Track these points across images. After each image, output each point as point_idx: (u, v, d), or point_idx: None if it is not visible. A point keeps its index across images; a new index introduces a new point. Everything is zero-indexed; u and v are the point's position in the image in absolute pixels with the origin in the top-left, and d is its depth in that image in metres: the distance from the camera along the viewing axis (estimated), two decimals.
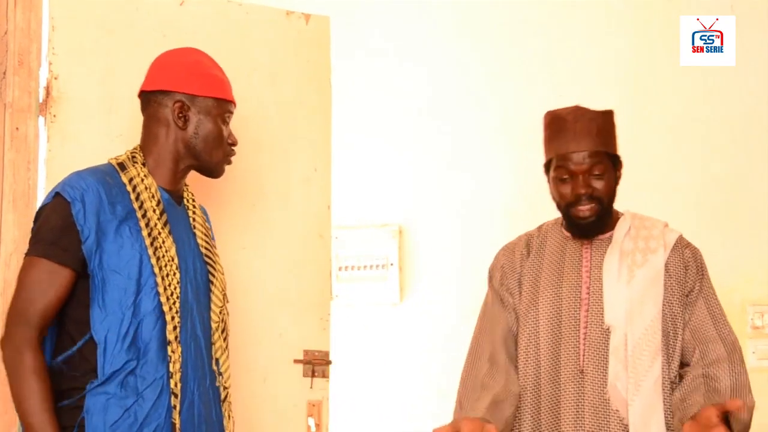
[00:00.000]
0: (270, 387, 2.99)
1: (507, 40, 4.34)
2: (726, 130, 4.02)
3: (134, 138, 2.82)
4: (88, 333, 2.25)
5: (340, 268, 4.37)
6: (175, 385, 2.29)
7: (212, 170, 2.49)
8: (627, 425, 2.42)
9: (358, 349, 4.32)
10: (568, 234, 2.62)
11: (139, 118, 2.84)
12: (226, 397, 2.45)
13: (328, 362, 3.09)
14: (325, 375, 3.07)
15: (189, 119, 2.43)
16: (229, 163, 2.51)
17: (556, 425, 2.47)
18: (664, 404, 2.44)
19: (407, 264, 4.35)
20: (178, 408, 2.28)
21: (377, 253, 4.35)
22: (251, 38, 3.06)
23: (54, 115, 2.75)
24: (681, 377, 2.48)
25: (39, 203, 2.70)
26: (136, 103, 2.84)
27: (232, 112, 2.50)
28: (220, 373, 2.44)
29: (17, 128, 2.73)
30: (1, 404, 2.63)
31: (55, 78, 2.76)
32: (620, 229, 2.59)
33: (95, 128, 2.80)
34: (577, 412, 2.46)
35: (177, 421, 2.28)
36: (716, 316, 2.52)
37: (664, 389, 2.45)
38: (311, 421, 3.00)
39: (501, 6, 4.35)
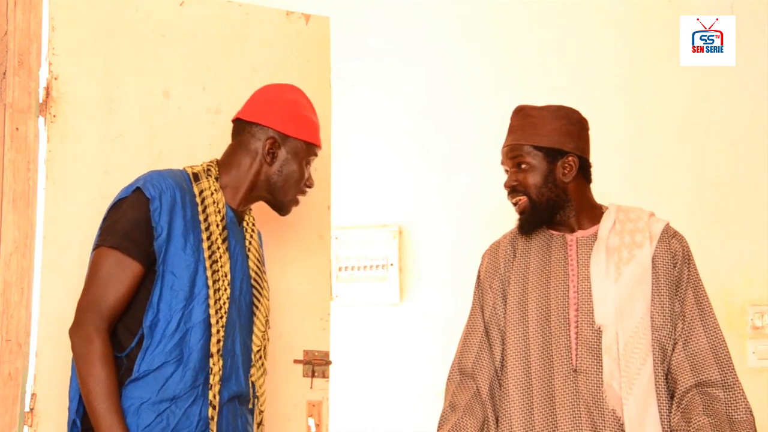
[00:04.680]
0: (270, 387, 2.98)
1: (506, 41, 4.34)
2: (726, 130, 4.02)
3: (134, 138, 2.84)
4: (141, 330, 2.30)
5: (340, 269, 4.37)
6: (214, 396, 2.32)
7: (282, 208, 2.57)
8: (623, 424, 2.42)
9: (358, 349, 4.32)
10: (553, 231, 2.63)
11: (138, 118, 2.86)
12: (261, 421, 2.50)
13: (328, 362, 3.09)
14: (325, 375, 3.07)
15: (277, 156, 2.51)
16: (297, 203, 2.59)
17: (552, 423, 2.47)
18: (658, 400, 2.44)
19: (407, 264, 4.35)
20: (215, 419, 2.33)
21: (377, 253, 4.35)
22: (251, 38, 3.06)
23: (54, 116, 2.75)
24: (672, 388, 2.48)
25: (39, 203, 2.71)
26: (136, 103, 2.86)
27: (317, 155, 2.59)
28: (257, 396, 2.48)
29: (17, 128, 2.73)
30: (1, 404, 2.63)
31: (55, 78, 2.76)
32: (605, 224, 2.58)
33: (95, 128, 2.80)
34: (574, 410, 2.46)
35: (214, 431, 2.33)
36: (704, 310, 2.50)
37: (657, 385, 2.45)
38: (311, 421, 3.00)
39: (500, 7, 4.35)
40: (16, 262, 2.68)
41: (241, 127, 2.54)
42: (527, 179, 2.58)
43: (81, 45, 2.81)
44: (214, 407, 2.33)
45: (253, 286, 2.52)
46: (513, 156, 2.60)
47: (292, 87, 2.62)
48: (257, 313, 2.52)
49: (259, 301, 2.53)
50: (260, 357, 2.52)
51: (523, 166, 2.59)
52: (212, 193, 2.43)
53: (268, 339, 2.57)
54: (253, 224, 2.60)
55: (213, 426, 2.32)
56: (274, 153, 2.50)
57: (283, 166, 2.51)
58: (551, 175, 2.57)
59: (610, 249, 2.53)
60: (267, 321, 2.56)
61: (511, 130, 2.64)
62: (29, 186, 2.73)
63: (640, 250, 2.52)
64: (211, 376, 2.33)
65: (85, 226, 2.64)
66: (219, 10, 3.02)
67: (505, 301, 2.61)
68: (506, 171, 2.65)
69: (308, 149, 2.55)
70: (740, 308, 3.87)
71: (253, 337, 2.51)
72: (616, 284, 2.49)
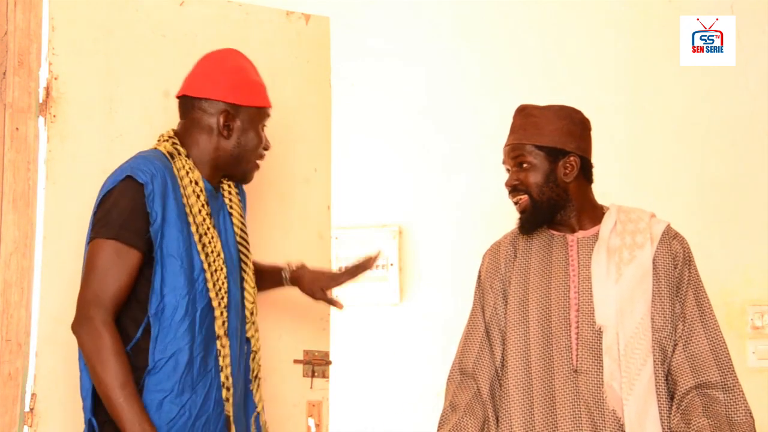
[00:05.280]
0: (270, 387, 2.98)
1: (506, 41, 4.34)
2: (726, 130, 4.02)
3: (134, 138, 2.83)
4: (146, 318, 2.29)
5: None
6: (227, 378, 2.33)
7: (244, 177, 2.54)
8: (623, 424, 2.42)
9: (358, 349, 4.32)
10: (553, 231, 2.63)
11: (138, 118, 2.85)
12: (257, 374, 2.50)
13: (328, 362, 3.09)
14: (325, 375, 3.07)
15: (233, 129, 2.47)
16: (258, 168, 2.55)
17: (552, 424, 2.47)
18: (658, 401, 2.43)
19: (407, 264, 4.35)
20: (231, 401, 2.34)
21: None
22: (251, 38, 3.05)
23: (54, 116, 2.75)
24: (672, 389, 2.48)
25: (39, 203, 2.71)
26: (136, 103, 2.86)
27: (269, 116, 2.55)
28: (253, 351, 2.49)
29: (17, 128, 2.73)
30: (1, 404, 2.64)
31: (55, 78, 2.76)
32: (606, 224, 2.58)
33: (95, 128, 2.80)
34: (574, 411, 2.45)
35: (231, 413, 2.33)
36: (704, 312, 2.50)
37: (657, 386, 2.44)
38: (311, 421, 3.00)
39: (500, 7, 4.35)
40: (16, 262, 2.68)
41: (189, 103, 2.48)
42: (528, 178, 2.58)
43: (81, 45, 2.81)
44: (228, 388, 2.33)
45: (239, 243, 2.51)
46: (515, 155, 2.60)
47: (233, 52, 2.56)
48: (246, 270, 2.51)
49: (246, 257, 2.52)
50: (252, 313, 2.50)
51: (525, 165, 2.59)
52: (188, 172, 2.40)
53: (256, 293, 2.56)
54: (228, 185, 2.56)
55: (229, 407, 2.33)
56: (230, 126, 2.46)
57: (240, 137, 2.47)
58: (552, 174, 2.57)
59: (611, 250, 2.53)
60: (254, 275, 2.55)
61: (513, 129, 2.64)
62: (29, 186, 2.73)
63: (641, 251, 2.52)
64: (221, 358, 2.33)
65: (85, 226, 2.62)
66: (219, 10, 3.02)
67: (506, 302, 2.61)
68: (507, 170, 2.65)
69: (261, 114, 2.51)
70: (740, 308, 3.88)
71: (246, 295, 2.49)
72: (616, 285, 2.49)
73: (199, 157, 2.46)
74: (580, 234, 2.60)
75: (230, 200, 2.53)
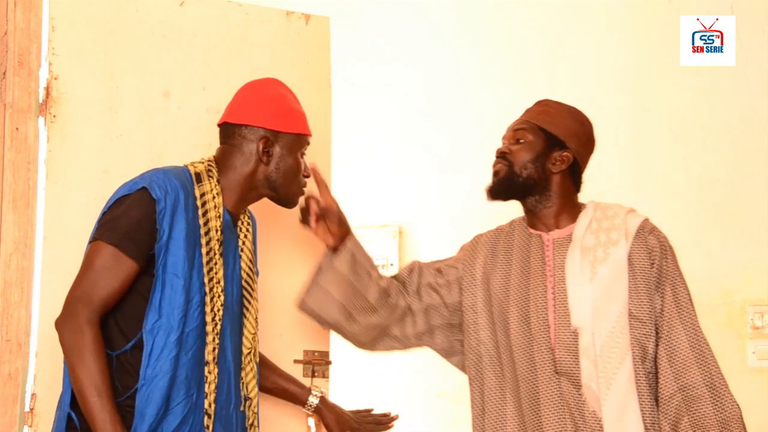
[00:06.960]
0: None
1: (505, 41, 4.34)
2: (726, 130, 4.02)
3: (134, 138, 2.84)
4: (140, 333, 2.28)
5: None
6: (210, 405, 2.32)
7: (288, 202, 2.58)
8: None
9: (358, 349, 4.31)
10: (531, 230, 2.63)
11: (138, 118, 2.86)
12: (253, 422, 2.49)
13: (328, 362, 3.09)
14: (325, 375, 3.07)
15: (272, 155, 2.50)
16: (303, 194, 2.60)
17: (539, 426, 2.46)
18: (640, 399, 2.41)
19: None
20: (211, 428, 2.32)
21: (377, 253, 4.35)
22: (251, 38, 3.06)
23: (54, 116, 2.76)
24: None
25: (39, 203, 2.71)
26: (136, 103, 2.86)
27: (309, 144, 2.59)
28: (249, 398, 2.48)
29: (17, 128, 2.74)
30: (1, 404, 2.64)
31: (55, 78, 2.76)
32: (580, 224, 2.55)
33: (95, 128, 2.80)
34: (558, 413, 2.44)
35: None
36: (681, 307, 2.45)
37: (638, 384, 2.41)
38: (311, 421, 3.00)
39: (499, 7, 4.36)
40: (16, 262, 2.68)
41: (229, 130, 2.52)
42: (519, 152, 2.60)
43: (81, 45, 2.81)
44: (209, 416, 2.32)
45: (243, 287, 2.52)
46: (517, 128, 2.63)
47: (273, 81, 2.60)
48: (247, 315, 2.52)
49: (249, 303, 2.52)
50: (250, 360, 2.51)
51: (522, 140, 2.60)
52: (213, 197, 2.42)
53: (258, 341, 2.57)
54: (248, 225, 2.59)
55: None
56: (269, 152, 2.49)
57: (279, 163, 2.51)
58: (542, 158, 2.58)
59: (585, 249, 2.50)
60: (256, 322, 2.56)
61: (526, 112, 2.68)
62: (29, 186, 2.73)
63: (615, 248, 2.48)
64: (206, 385, 2.32)
65: (85, 226, 2.63)
66: (219, 10, 3.02)
67: (476, 288, 2.66)
68: (503, 143, 2.67)
69: (300, 141, 2.55)
70: (740, 308, 3.87)
71: (244, 340, 2.50)
72: (591, 284, 2.46)
73: (232, 181, 2.48)
74: (555, 234, 2.58)
75: (243, 242, 2.54)
